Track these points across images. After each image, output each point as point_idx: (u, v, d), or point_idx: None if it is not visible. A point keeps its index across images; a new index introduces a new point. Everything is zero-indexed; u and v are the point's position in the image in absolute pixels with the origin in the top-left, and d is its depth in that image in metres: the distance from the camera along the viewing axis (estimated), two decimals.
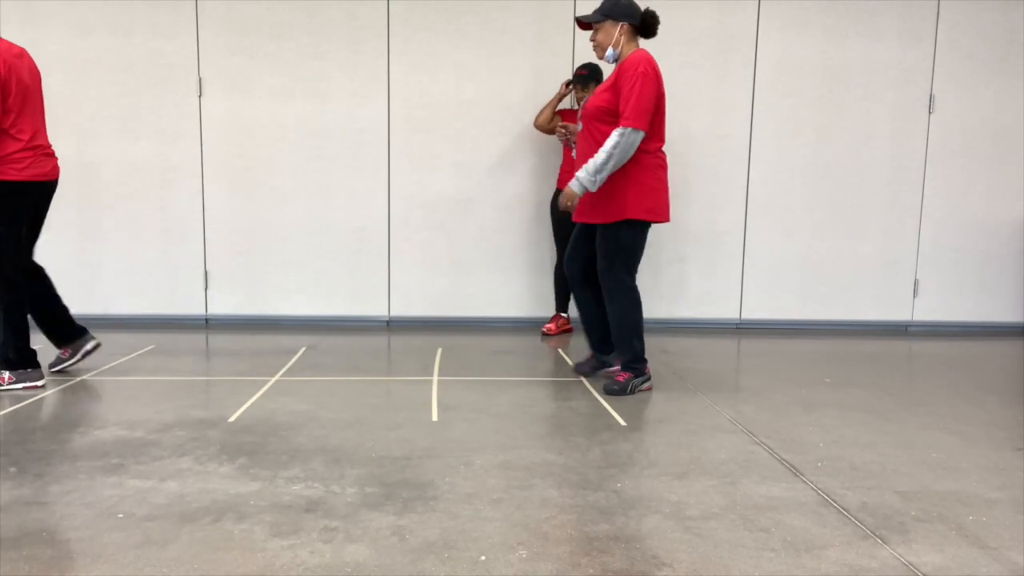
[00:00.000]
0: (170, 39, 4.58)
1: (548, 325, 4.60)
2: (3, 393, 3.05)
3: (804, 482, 2.22)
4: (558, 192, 4.50)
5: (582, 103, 4.38)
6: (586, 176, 3.07)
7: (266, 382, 3.31)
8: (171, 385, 3.25)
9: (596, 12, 3.17)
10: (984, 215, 4.94)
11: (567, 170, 4.43)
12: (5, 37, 4.50)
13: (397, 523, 1.89)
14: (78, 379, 3.31)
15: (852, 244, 4.92)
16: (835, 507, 2.03)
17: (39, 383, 3.16)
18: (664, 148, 3.21)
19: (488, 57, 4.68)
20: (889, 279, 4.97)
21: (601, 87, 3.21)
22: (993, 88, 4.83)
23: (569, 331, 4.67)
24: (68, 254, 4.70)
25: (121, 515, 1.92)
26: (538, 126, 4.52)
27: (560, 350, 4.11)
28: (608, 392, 3.18)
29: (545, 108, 4.47)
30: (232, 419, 2.75)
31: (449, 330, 4.69)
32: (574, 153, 4.36)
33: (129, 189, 4.68)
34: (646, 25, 3.15)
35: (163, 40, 4.58)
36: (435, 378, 3.43)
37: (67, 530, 1.83)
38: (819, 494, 2.12)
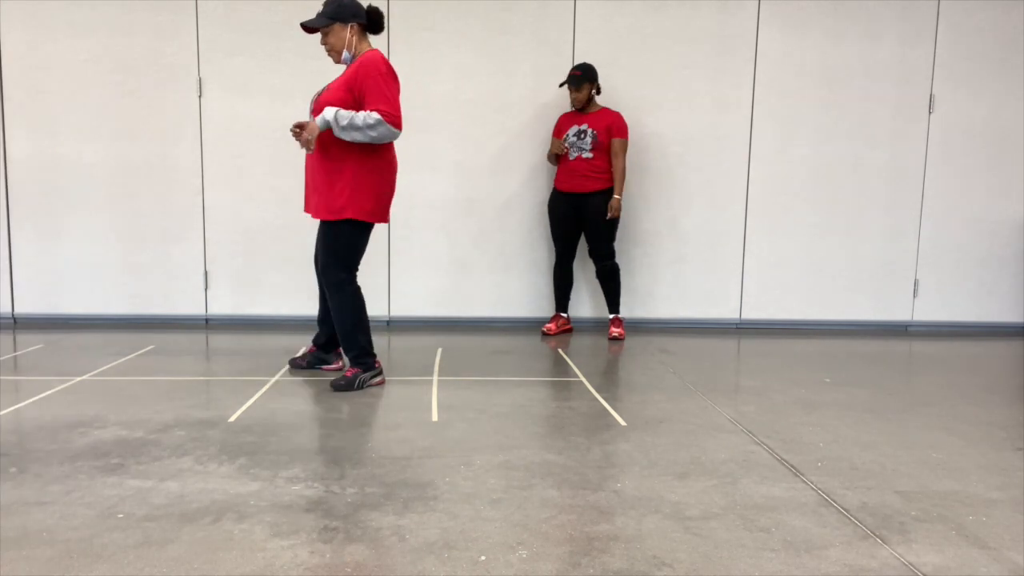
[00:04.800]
0: (170, 39, 4.58)
1: (548, 325, 4.60)
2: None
3: (804, 482, 2.21)
4: (557, 192, 4.51)
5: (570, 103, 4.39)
6: (339, 118, 2.93)
7: (266, 382, 3.31)
8: (171, 385, 3.25)
9: (321, 16, 3.08)
10: (984, 215, 4.94)
11: (564, 171, 4.45)
12: (5, 37, 4.52)
13: (397, 523, 1.89)
14: (78, 379, 3.31)
15: (852, 244, 4.92)
16: (835, 507, 2.03)
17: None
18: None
19: (488, 57, 4.68)
20: (889, 279, 4.97)
21: (335, 84, 3.06)
22: (993, 88, 4.83)
23: (569, 331, 4.67)
24: (68, 254, 4.70)
25: (121, 515, 1.92)
26: (551, 158, 4.56)
27: (560, 350, 4.11)
28: (335, 388, 3.17)
29: (551, 147, 4.50)
30: (232, 419, 2.75)
31: (449, 330, 4.69)
32: (572, 155, 4.41)
33: (129, 189, 4.68)
34: (373, 22, 3.14)
35: (163, 40, 4.58)
36: (435, 378, 3.43)
37: (67, 530, 1.83)
38: (819, 494, 2.12)
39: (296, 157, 4.69)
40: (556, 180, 4.53)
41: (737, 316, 4.95)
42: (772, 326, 4.96)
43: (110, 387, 3.20)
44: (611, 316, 4.56)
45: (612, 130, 4.38)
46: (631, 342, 4.38)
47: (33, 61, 4.55)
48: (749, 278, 4.93)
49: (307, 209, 3.22)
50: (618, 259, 4.65)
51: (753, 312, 4.95)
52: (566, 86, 4.51)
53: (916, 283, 4.98)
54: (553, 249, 4.75)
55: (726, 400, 3.12)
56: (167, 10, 4.56)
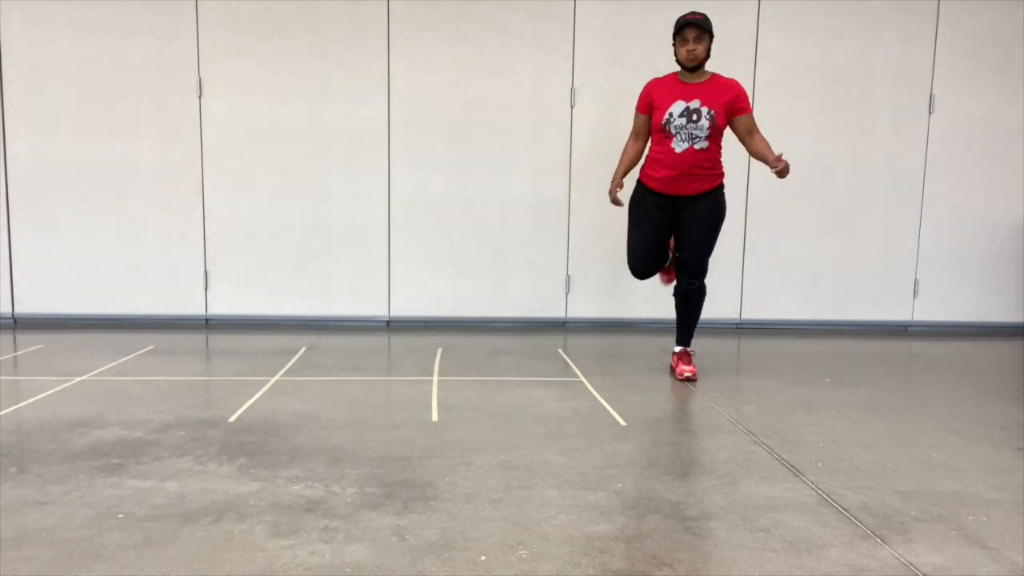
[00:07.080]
0: (170, 39, 4.58)
1: (689, 368, 3.46)
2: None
3: (804, 482, 2.21)
4: (653, 193, 3.41)
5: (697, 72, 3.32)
6: None
7: (266, 382, 3.31)
8: (171, 385, 3.25)
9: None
10: (984, 215, 4.94)
11: (668, 165, 3.31)
12: (5, 37, 4.52)
13: (397, 523, 1.89)
14: (78, 379, 3.31)
15: (852, 244, 4.92)
16: (835, 507, 2.03)
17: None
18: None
19: (488, 57, 4.68)
20: (889, 279, 4.97)
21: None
22: (993, 88, 4.83)
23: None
24: (68, 254, 4.70)
25: (121, 515, 1.92)
26: (633, 155, 3.48)
27: (560, 350, 4.11)
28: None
29: (635, 145, 3.47)
30: (232, 419, 2.75)
31: (449, 330, 4.69)
32: (679, 145, 3.27)
33: (129, 189, 4.68)
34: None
35: (163, 40, 4.58)
36: (435, 378, 3.43)
37: (67, 530, 1.83)
38: (819, 494, 2.12)
39: (295, 156, 4.69)
40: (650, 176, 3.40)
41: (737, 316, 4.95)
42: (772, 326, 4.96)
43: (110, 387, 3.20)
44: (681, 348, 3.54)
45: (736, 106, 3.27)
46: (631, 342, 4.38)
47: (33, 61, 4.55)
48: (749, 278, 4.93)
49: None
50: (617, 259, 4.45)
51: (753, 312, 4.95)
52: (679, 35, 3.25)
53: (916, 283, 4.98)
54: (555, 250, 4.73)
55: (726, 400, 3.12)
56: (167, 10, 4.56)
